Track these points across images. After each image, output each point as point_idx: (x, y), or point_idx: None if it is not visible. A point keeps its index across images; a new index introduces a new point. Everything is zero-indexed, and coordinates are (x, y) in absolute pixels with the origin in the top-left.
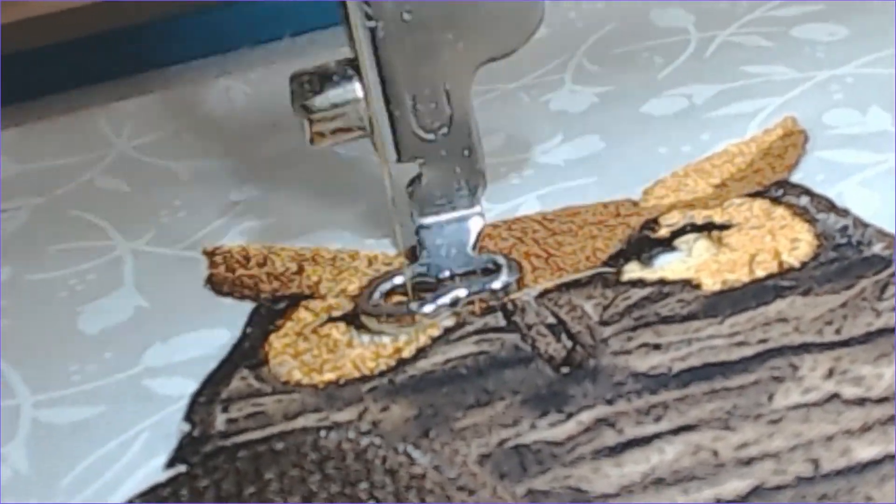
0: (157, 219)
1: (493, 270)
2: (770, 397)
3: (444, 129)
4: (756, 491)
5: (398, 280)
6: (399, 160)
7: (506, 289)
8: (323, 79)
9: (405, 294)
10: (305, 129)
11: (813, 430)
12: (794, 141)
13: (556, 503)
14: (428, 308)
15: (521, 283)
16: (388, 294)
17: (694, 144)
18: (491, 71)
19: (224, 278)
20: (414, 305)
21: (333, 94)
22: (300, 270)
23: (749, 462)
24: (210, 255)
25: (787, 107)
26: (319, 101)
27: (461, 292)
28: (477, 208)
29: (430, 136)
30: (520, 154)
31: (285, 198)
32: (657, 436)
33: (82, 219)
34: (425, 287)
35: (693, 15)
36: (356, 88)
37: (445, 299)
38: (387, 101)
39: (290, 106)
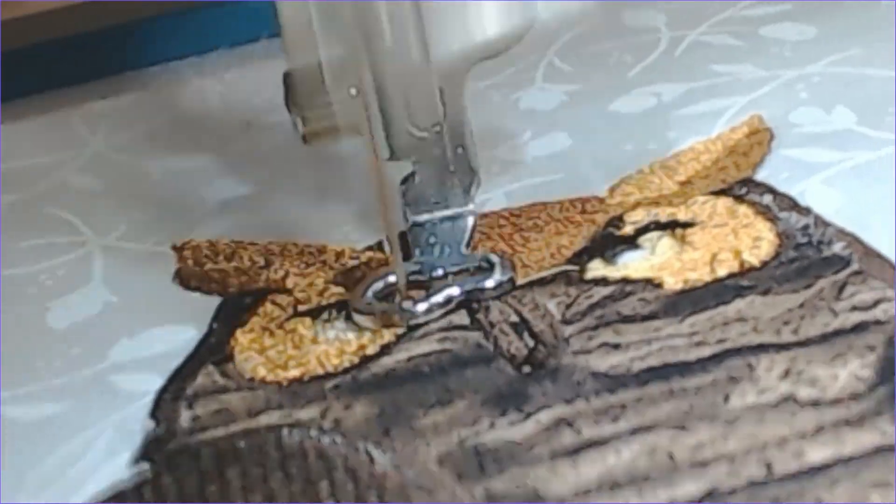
0: (128, 215)
1: (486, 269)
2: (726, 398)
3: (438, 127)
4: (710, 494)
5: (391, 279)
6: (392, 158)
7: (499, 287)
8: (316, 77)
9: (398, 292)
10: (299, 127)
11: (767, 432)
12: (759, 139)
13: None
14: (421, 307)
15: (513, 282)
16: (380, 292)
17: (660, 142)
18: None
19: (192, 273)
20: (407, 304)
21: (327, 92)
22: (268, 264)
23: (704, 464)
24: (179, 249)
25: (754, 105)
26: (313, 99)
27: (454, 291)
28: (470, 206)
29: (424, 134)
30: (488, 151)
31: (258, 195)
32: (615, 437)
33: (54, 216)
34: (418, 285)
35: (665, 15)
36: (349, 86)
37: (438, 298)
38: (380, 99)
39: (266, 105)
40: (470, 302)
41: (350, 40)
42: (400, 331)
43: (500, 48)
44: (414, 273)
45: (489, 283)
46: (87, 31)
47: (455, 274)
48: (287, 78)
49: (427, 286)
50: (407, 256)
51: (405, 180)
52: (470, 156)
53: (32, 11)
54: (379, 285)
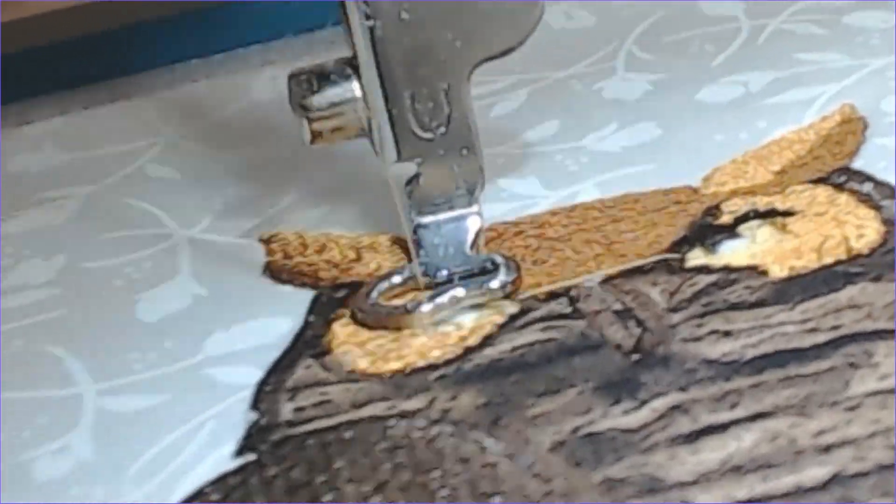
0: (211, 207)
1: (490, 270)
2: (846, 384)
3: (443, 129)
4: (836, 478)
5: (396, 279)
6: (398, 160)
7: (503, 288)
8: (321, 78)
9: (403, 293)
10: (304, 129)
11: (891, 417)
12: (852, 128)
13: (632, 492)
14: (426, 307)
15: (518, 283)
16: (385, 294)
17: (751, 132)
18: (540, 59)
19: (282, 266)
20: (411, 305)
21: (332, 94)
22: (358, 258)
23: (828, 449)
24: (267, 242)
25: (844, 94)
26: (318, 100)
27: (459, 292)
28: (475, 207)
29: (429, 136)
30: (575, 141)
31: (340, 186)
32: (733, 423)
33: (135, 206)
34: (424, 286)
35: (742, 3)
36: (354, 87)
37: (443, 298)
38: (385, 100)
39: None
40: (569, 291)
41: (355, 40)
42: (501, 320)
43: (505, 48)
44: (418, 274)
45: (494, 284)
46: (153, 19)
47: (460, 275)
48: (291, 79)
49: (432, 287)
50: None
51: (409, 182)
52: (475, 157)
53: None
54: (383, 286)
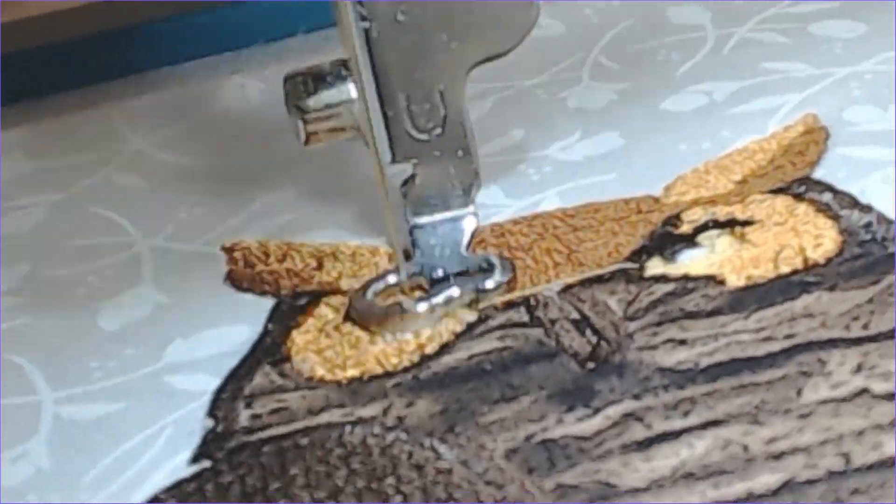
0: (175, 215)
1: (486, 270)
2: (799, 392)
3: (438, 130)
4: (787, 485)
5: (391, 279)
6: (393, 160)
7: (498, 288)
8: (317, 79)
9: (398, 293)
10: (300, 130)
11: (843, 425)
12: (815, 137)
13: (585, 498)
14: (421, 307)
15: (513, 283)
16: (380, 293)
17: (714, 141)
18: (506, 68)
19: (243, 274)
20: (407, 305)
21: (327, 95)
22: (320, 266)
23: (779, 456)
24: (229, 251)
25: (807, 103)
26: (313, 101)
27: (454, 292)
28: (471, 208)
29: (424, 137)
30: (538, 150)
31: (305, 195)
32: (686, 430)
33: (100, 215)
34: (419, 287)
35: (709, 12)
36: (350, 89)
37: (439, 299)
38: (381, 102)
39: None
40: (527, 300)
41: (350, 41)
42: (458, 329)
43: (501, 50)
44: (414, 274)
45: (489, 284)
46: (120, 27)
47: (455, 275)
48: (287, 80)
49: (427, 287)
50: (407, 257)
51: (405, 182)
52: (471, 158)
53: (65, 7)
54: (379, 286)
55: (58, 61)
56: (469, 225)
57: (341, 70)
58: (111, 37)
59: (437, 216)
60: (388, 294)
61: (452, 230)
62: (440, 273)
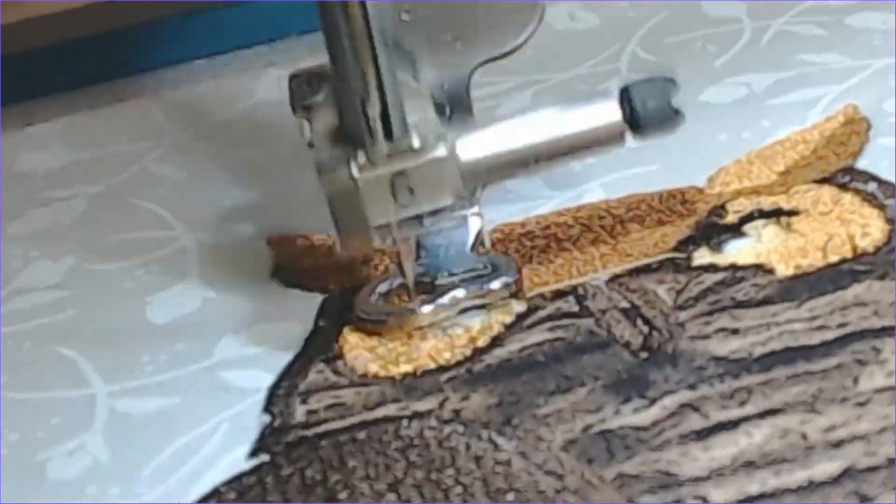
0: (217, 208)
1: (491, 271)
2: (855, 380)
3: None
4: (848, 472)
5: (397, 281)
6: None
7: (504, 288)
8: (322, 79)
9: (404, 295)
10: (305, 129)
11: None
12: (856, 128)
13: (646, 487)
14: (426, 308)
15: (519, 283)
16: (386, 295)
17: (754, 132)
18: (545, 60)
19: (290, 269)
20: (413, 305)
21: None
22: (366, 261)
23: (838, 444)
24: (274, 244)
25: (847, 95)
26: (319, 100)
27: (460, 293)
28: (475, 209)
29: None
30: None
31: None
32: (743, 419)
33: (141, 207)
34: (424, 288)
35: (745, 5)
36: None
37: (444, 300)
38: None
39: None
40: (576, 289)
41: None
42: (509, 321)
43: (505, 49)
44: (420, 275)
45: (495, 285)
46: (158, 20)
47: (460, 276)
48: (292, 80)
49: (433, 288)
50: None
51: None
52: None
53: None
54: (384, 287)
55: (91, 54)
56: (474, 226)
57: None
58: (148, 30)
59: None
60: (393, 296)
61: (457, 231)
62: (445, 274)
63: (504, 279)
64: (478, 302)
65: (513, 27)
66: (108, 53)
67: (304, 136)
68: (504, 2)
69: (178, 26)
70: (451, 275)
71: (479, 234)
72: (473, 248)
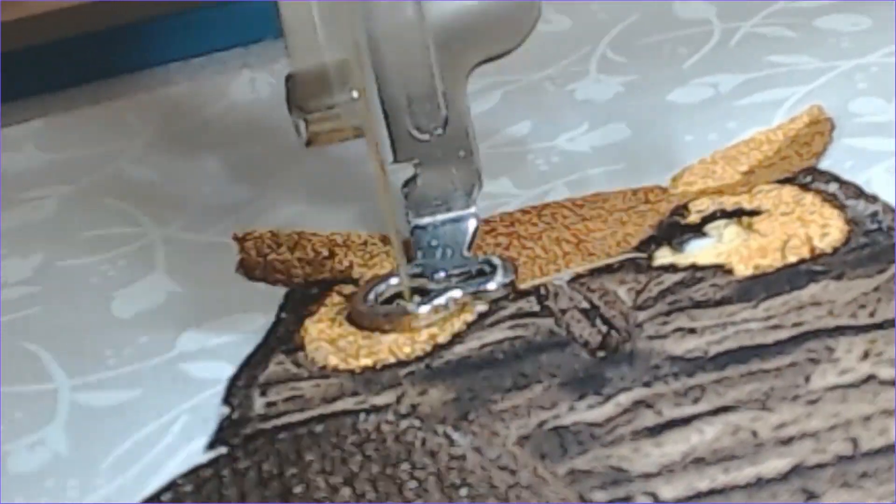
0: (187, 206)
1: (488, 271)
2: (807, 378)
3: (440, 130)
4: (796, 469)
5: (393, 281)
6: (395, 161)
7: (501, 289)
8: (319, 79)
9: (400, 296)
10: (301, 130)
11: (851, 411)
12: (820, 129)
13: (597, 483)
14: (423, 309)
15: (515, 285)
16: (382, 296)
17: (720, 132)
18: (515, 62)
19: (255, 263)
20: (409, 306)
21: (329, 95)
22: (331, 255)
23: (788, 441)
24: (241, 240)
25: (813, 96)
26: (315, 101)
27: (456, 293)
28: (472, 209)
29: (426, 137)
30: (546, 141)
31: (316, 186)
32: (696, 417)
33: (112, 206)
34: (420, 288)
35: (715, 7)
36: (351, 89)
37: (441, 300)
38: (382, 102)
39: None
40: (538, 289)
41: (351, 41)
42: (470, 318)
43: (502, 50)
44: (416, 276)
45: (491, 286)
46: (131, 21)
47: (457, 276)
48: (289, 80)
49: (429, 289)
50: (408, 259)
51: (407, 183)
52: (472, 159)
53: (75, 3)
54: (381, 288)
55: (68, 57)
56: (471, 226)
57: (343, 70)
58: (121, 32)
59: (439, 217)
60: (389, 297)
61: (454, 231)
62: (441, 275)
63: (501, 280)
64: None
65: (509, 28)
66: (83, 57)
67: (301, 136)
68: (501, 2)
69: (153, 29)
70: (448, 275)
71: (475, 234)
72: (470, 248)
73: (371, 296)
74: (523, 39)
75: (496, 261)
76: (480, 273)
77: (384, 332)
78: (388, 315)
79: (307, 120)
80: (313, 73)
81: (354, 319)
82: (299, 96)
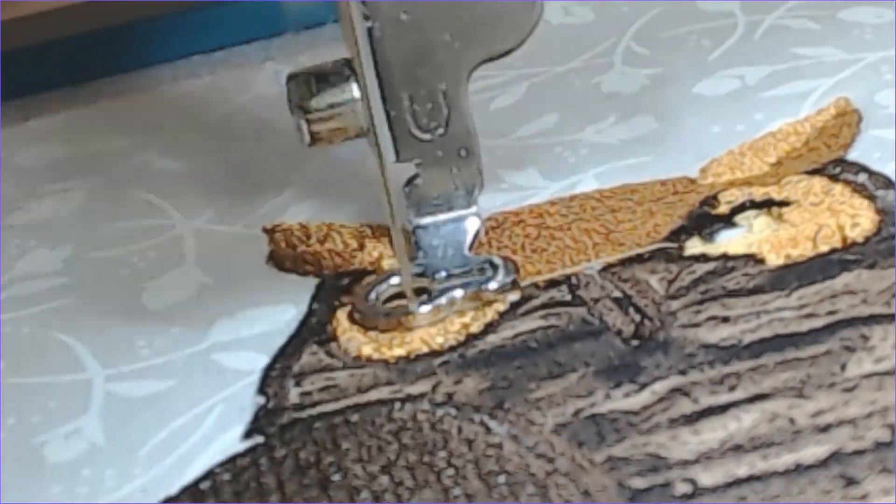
0: (215, 198)
1: (489, 271)
2: (843, 366)
3: (441, 130)
4: (835, 456)
5: (394, 281)
6: (397, 160)
7: (502, 289)
8: (320, 79)
9: (402, 295)
10: (303, 130)
11: (888, 398)
12: (848, 120)
13: (635, 470)
14: (424, 308)
15: (516, 284)
16: (383, 295)
17: (748, 124)
18: (539, 54)
19: (285, 255)
20: (410, 306)
21: (330, 95)
22: (361, 247)
23: (826, 429)
24: (270, 232)
25: (839, 87)
26: (316, 101)
27: (458, 293)
28: (473, 209)
29: (427, 137)
30: (574, 134)
31: (342, 178)
32: (733, 404)
33: (140, 198)
34: (421, 288)
35: (738, 0)
36: (353, 88)
37: (442, 300)
38: (383, 102)
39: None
40: (569, 279)
41: (352, 40)
42: (502, 308)
43: (504, 49)
44: (417, 275)
45: (492, 286)
46: (157, 16)
47: (458, 276)
48: (289, 80)
49: (430, 289)
50: (410, 258)
51: (408, 182)
52: (474, 158)
53: None
54: (382, 287)
55: (95, 49)
56: (472, 226)
57: (344, 69)
58: (146, 26)
59: (440, 217)
60: (391, 296)
61: (455, 231)
62: (443, 274)
63: (502, 280)
64: (476, 302)
65: (511, 27)
66: (106, 50)
67: (303, 137)
68: (502, 1)
69: (176, 23)
70: (450, 275)
71: (476, 233)
72: (471, 248)
73: (372, 295)
74: (525, 38)
75: (497, 260)
76: (482, 273)
77: (384, 331)
78: (389, 315)
79: (308, 119)
80: (314, 73)
81: (355, 319)
82: (300, 96)
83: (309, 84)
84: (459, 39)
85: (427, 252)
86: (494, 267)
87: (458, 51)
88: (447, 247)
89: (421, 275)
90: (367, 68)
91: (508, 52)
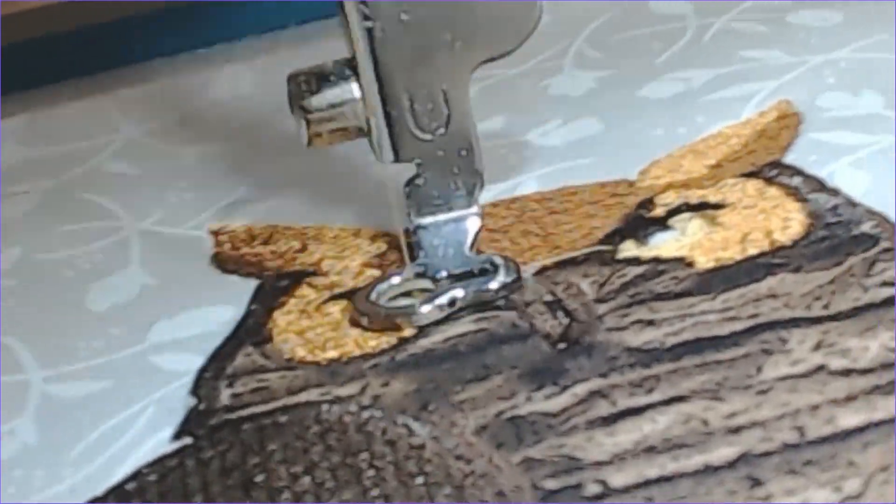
0: (164, 201)
1: (490, 271)
2: (759, 369)
3: (442, 130)
4: (744, 457)
5: (395, 280)
6: (397, 160)
7: (503, 289)
8: (320, 79)
9: (402, 294)
10: (303, 130)
11: (800, 400)
12: (787, 123)
13: (550, 471)
14: (425, 308)
15: (518, 284)
16: (384, 295)
17: (689, 127)
18: None
19: (229, 256)
20: (411, 306)
21: (331, 95)
22: (303, 248)
23: (737, 430)
24: (216, 234)
25: (782, 90)
26: (317, 101)
27: (458, 292)
28: (474, 208)
29: (428, 137)
30: (519, 136)
31: (291, 181)
32: (650, 406)
33: (92, 201)
34: (422, 287)
35: (691, 3)
36: (353, 88)
37: (443, 299)
38: (384, 102)
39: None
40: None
41: (354, 41)
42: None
43: (504, 50)
44: (418, 275)
45: (493, 285)
46: (115, 19)
47: (459, 276)
48: (290, 80)
49: (431, 288)
50: (411, 258)
51: (409, 182)
52: (474, 158)
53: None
54: (383, 287)
55: (52, 53)
56: (472, 225)
57: (345, 69)
58: (105, 29)
59: (441, 216)
60: (392, 296)
61: (456, 230)
62: (444, 274)
63: (503, 279)
64: (477, 302)
65: (511, 27)
66: (66, 53)
67: (302, 137)
68: (503, 2)
69: (135, 26)
70: (450, 274)
71: (477, 233)
72: (472, 247)
73: (373, 295)
74: (525, 39)
75: (498, 260)
76: (482, 272)
77: (384, 331)
78: (390, 314)
79: (308, 120)
80: (315, 73)
81: (355, 319)
82: (300, 95)
83: (309, 84)
84: (460, 40)
85: (428, 252)
86: (495, 266)
87: (459, 51)
88: (448, 246)
89: (422, 274)
90: (366, 68)
91: (509, 53)
